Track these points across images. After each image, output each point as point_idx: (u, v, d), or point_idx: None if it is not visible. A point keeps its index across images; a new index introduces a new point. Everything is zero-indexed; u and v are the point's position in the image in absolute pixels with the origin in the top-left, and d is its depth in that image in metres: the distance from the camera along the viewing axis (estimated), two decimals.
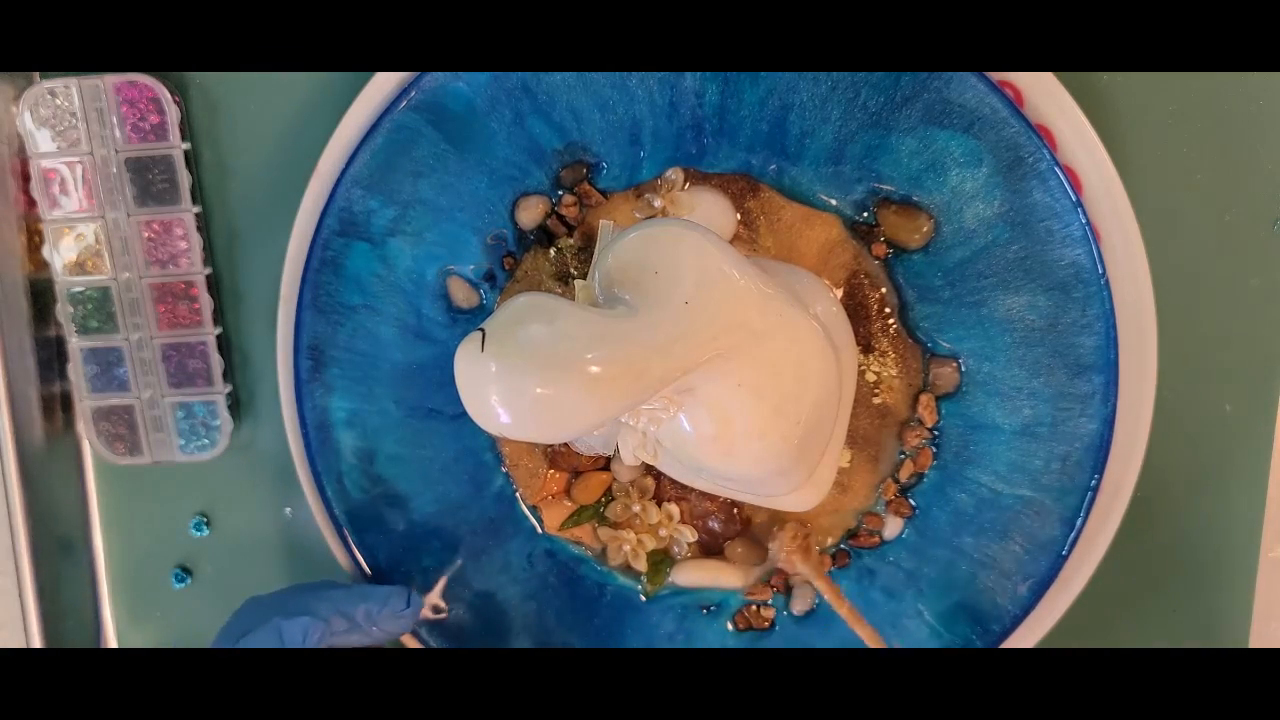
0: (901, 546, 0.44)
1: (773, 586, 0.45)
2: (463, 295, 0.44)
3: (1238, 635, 0.47)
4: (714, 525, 0.45)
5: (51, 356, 0.46)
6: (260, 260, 0.46)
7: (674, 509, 0.45)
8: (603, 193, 0.44)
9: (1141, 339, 0.42)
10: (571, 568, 0.46)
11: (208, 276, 0.45)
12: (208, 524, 0.48)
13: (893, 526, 0.45)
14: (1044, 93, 0.41)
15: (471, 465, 0.45)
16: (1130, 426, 0.42)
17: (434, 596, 0.43)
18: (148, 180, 0.44)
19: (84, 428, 0.46)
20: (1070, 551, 0.42)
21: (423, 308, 0.43)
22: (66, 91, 0.43)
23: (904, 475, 0.44)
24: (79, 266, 0.45)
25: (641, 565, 0.45)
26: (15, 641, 0.45)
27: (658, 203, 0.43)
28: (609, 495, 0.45)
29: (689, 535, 0.45)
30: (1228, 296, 0.45)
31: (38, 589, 0.45)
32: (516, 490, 0.46)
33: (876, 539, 0.45)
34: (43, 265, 0.45)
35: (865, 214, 0.43)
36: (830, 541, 0.45)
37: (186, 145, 0.44)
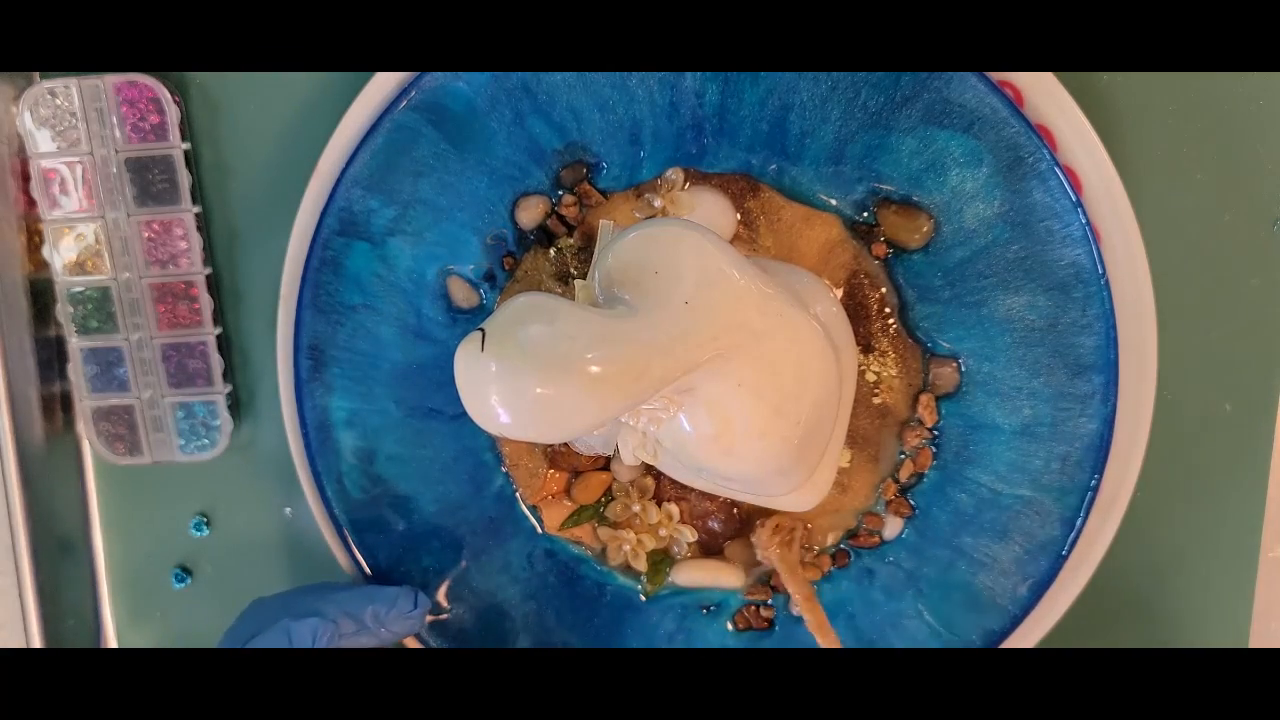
0: (901, 546, 0.44)
1: (773, 586, 0.45)
2: (463, 295, 0.44)
3: (1238, 635, 0.47)
4: (714, 525, 0.45)
5: (51, 356, 0.46)
6: (260, 260, 0.46)
7: (674, 509, 0.45)
8: (603, 193, 0.44)
9: (1141, 339, 0.42)
10: (571, 568, 0.46)
11: (208, 276, 0.45)
12: (208, 524, 0.48)
13: (893, 526, 0.45)
14: (1044, 93, 0.41)
15: (471, 465, 0.45)
16: (1130, 426, 0.42)
17: (437, 597, 0.43)
18: (148, 180, 0.44)
19: (84, 428, 0.46)
20: (1070, 551, 0.42)
21: (423, 308, 0.43)
22: (66, 91, 0.43)
23: (904, 475, 0.44)
24: (79, 266, 0.45)
25: (641, 565, 0.45)
26: (15, 641, 0.45)
27: (658, 203, 0.43)
28: (609, 495, 0.45)
29: (689, 535, 0.45)
30: (1228, 296, 0.45)
31: (38, 589, 0.45)
32: (516, 490, 0.46)
33: (876, 539, 0.45)
34: (43, 265, 0.45)
35: (865, 214, 0.43)
36: (830, 541, 0.45)
37: (186, 145, 0.44)
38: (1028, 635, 0.43)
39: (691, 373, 0.35)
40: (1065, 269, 0.40)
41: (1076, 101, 0.40)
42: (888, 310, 0.44)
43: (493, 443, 0.45)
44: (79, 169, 0.44)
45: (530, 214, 0.44)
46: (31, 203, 0.44)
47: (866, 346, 0.44)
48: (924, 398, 0.44)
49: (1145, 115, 0.44)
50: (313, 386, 0.43)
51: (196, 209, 0.45)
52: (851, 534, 0.45)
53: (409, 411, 0.44)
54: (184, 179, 0.44)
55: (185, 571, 0.48)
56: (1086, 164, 0.41)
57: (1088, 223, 0.40)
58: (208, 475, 0.47)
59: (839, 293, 0.44)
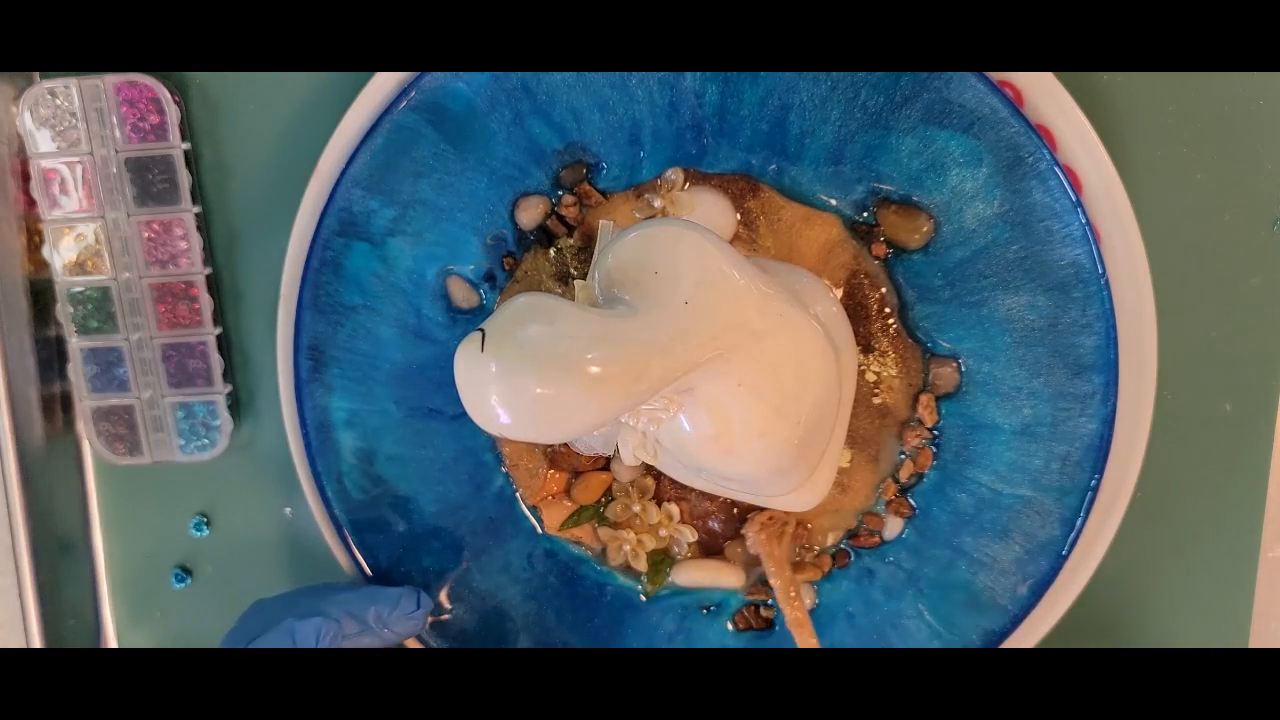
0: (901, 546, 0.44)
1: (770, 584, 0.45)
2: (462, 295, 0.44)
3: (1238, 635, 0.47)
4: (714, 525, 0.45)
5: (51, 356, 0.46)
6: (260, 260, 0.46)
7: (674, 509, 0.45)
8: (603, 193, 0.44)
9: (1141, 339, 0.42)
10: (571, 568, 0.46)
11: (208, 276, 0.45)
12: (208, 524, 0.48)
13: (893, 526, 0.45)
14: (1044, 93, 0.41)
15: (471, 465, 0.45)
16: (1130, 426, 0.42)
17: (438, 598, 0.43)
18: (148, 180, 0.44)
19: (84, 428, 0.46)
20: (1070, 551, 0.42)
21: (423, 308, 0.43)
22: (66, 91, 0.43)
23: (904, 475, 0.44)
24: (79, 266, 0.45)
25: (641, 565, 0.45)
26: (15, 641, 0.45)
27: (658, 203, 0.43)
28: (609, 495, 0.45)
29: (689, 535, 0.45)
30: (1228, 296, 0.45)
31: (38, 589, 0.45)
32: (516, 490, 0.46)
33: (876, 539, 0.45)
34: (43, 265, 0.45)
35: (865, 214, 0.43)
36: (830, 541, 0.45)
37: (186, 145, 0.44)
38: (1028, 635, 0.43)
39: (691, 373, 0.35)
40: (1065, 269, 0.40)
41: (1076, 101, 0.40)
42: (888, 310, 0.44)
43: (493, 443, 0.45)
44: (79, 169, 0.44)
45: (530, 214, 0.44)
46: (31, 203, 0.44)
47: (866, 346, 0.44)
48: (924, 398, 0.44)
49: (1145, 115, 0.44)
50: (313, 387, 0.43)
51: (196, 209, 0.45)
52: (851, 534, 0.45)
53: (409, 412, 0.44)
54: (184, 179, 0.44)
55: (185, 571, 0.48)
56: (1086, 164, 0.41)
57: (1088, 223, 0.40)
58: (208, 475, 0.47)
59: (839, 293, 0.44)
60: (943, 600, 0.43)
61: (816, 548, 0.45)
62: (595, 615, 0.45)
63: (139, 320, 0.45)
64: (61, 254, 0.45)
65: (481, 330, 0.34)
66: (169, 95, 0.43)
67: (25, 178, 0.44)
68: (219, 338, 0.46)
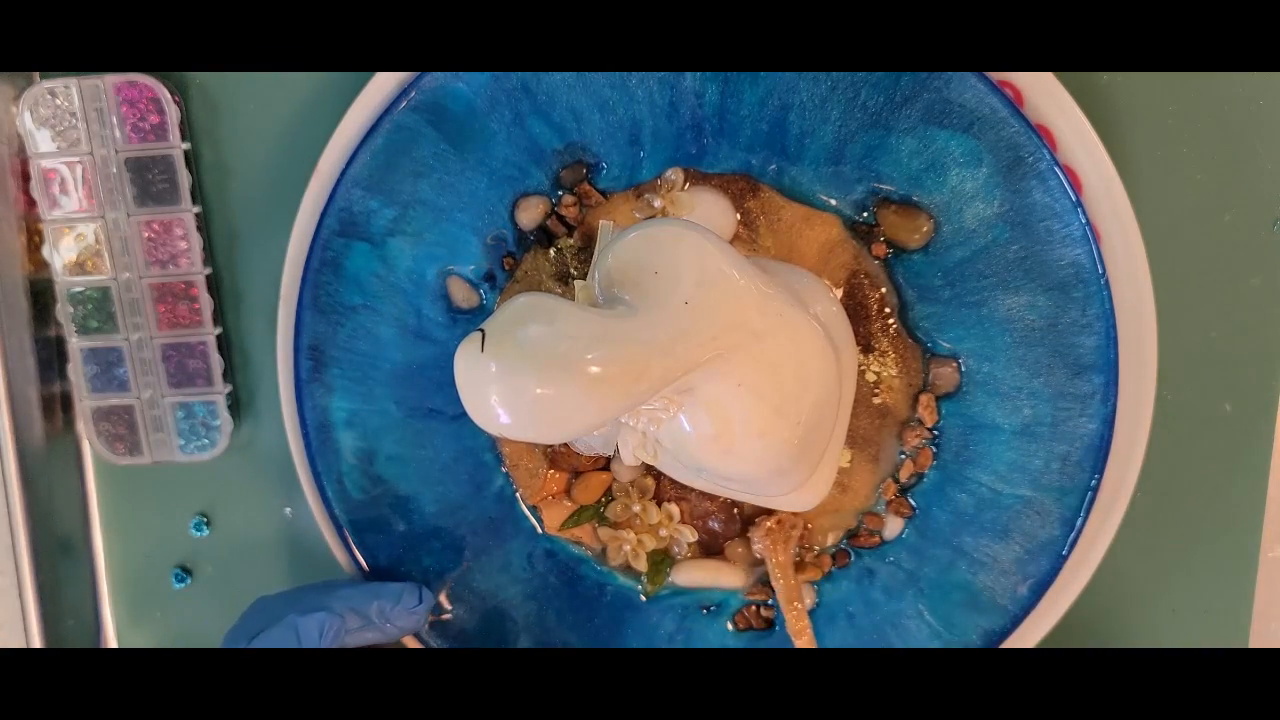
0: (902, 546, 0.44)
1: (773, 586, 0.45)
2: (462, 295, 0.44)
3: (1238, 635, 0.47)
4: (714, 525, 0.45)
5: (51, 356, 0.46)
6: (260, 260, 0.46)
7: (674, 509, 0.45)
8: (603, 193, 0.44)
9: (1141, 339, 0.42)
10: (572, 568, 0.46)
11: (208, 276, 0.45)
12: (208, 524, 0.48)
13: (893, 526, 0.45)
14: (1044, 93, 0.41)
15: (471, 465, 0.45)
16: (1130, 426, 0.42)
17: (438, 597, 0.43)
18: (148, 180, 0.44)
19: (84, 428, 0.46)
20: (1070, 551, 0.42)
21: (423, 308, 0.43)
22: (66, 91, 0.43)
23: (904, 475, 0.44)
24: (79, 266, 0.45)
25: (641, 565, 0.45)
26: (15, 641, 0.45)
27: (658, 203, 0.43)
28: (609, 495, 0.45)
29: (689, 535, 0.45)
30: (1228, 296, 0.45)
31: (38, 589, 0.45)
32: (516, 490, 0.46)
33: (877, 539, 0.45)
34: (43, 265, 0.45)
35: (865, 214, 0.43)
36: (830, 541, 0.45)
37: (186, 145, 0.44)
38: (1028, 635, 0.43)
39: (691, 373, 0.35)
40: (1065, 269, 0.40)
41: (1076, 101, 0.40)
42: (888, 310, 0.44)
43: (493, 443, 0.45)
44: (79, 169, 0.44)
45: (530, 214, 0.44)
46: (31, 203, 0.44)
47: (866, 346, 0.44)
48: (924, 398, 0.44)
49: (1145, 115, 0.44)
50: (313, 387, 0.43)
51: (196, 209, 0.45)
52: (852, 534, 0.45)
53: (409, 412, 0.44)
54: (184, 179, 0.44)
55: (185, 571, 0.48)
56: (1086, 164, 0.41)
57: (1088, 223, 0.40)
58: (208, 475, 0.47)
59: (839, 293, 0.44)
60: (943, 600, 0.43)
61: (816, 548, 0.45)
62: (595, 615, 0.45)
63: (139, 320, 0.45)
64: (61, 254, 0.45)
65: (481, 330, 0.34)
66: (169, 95, 0.43)
67: (25, 178, 0.44)
68: (219, 338, 0.46)
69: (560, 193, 0.44)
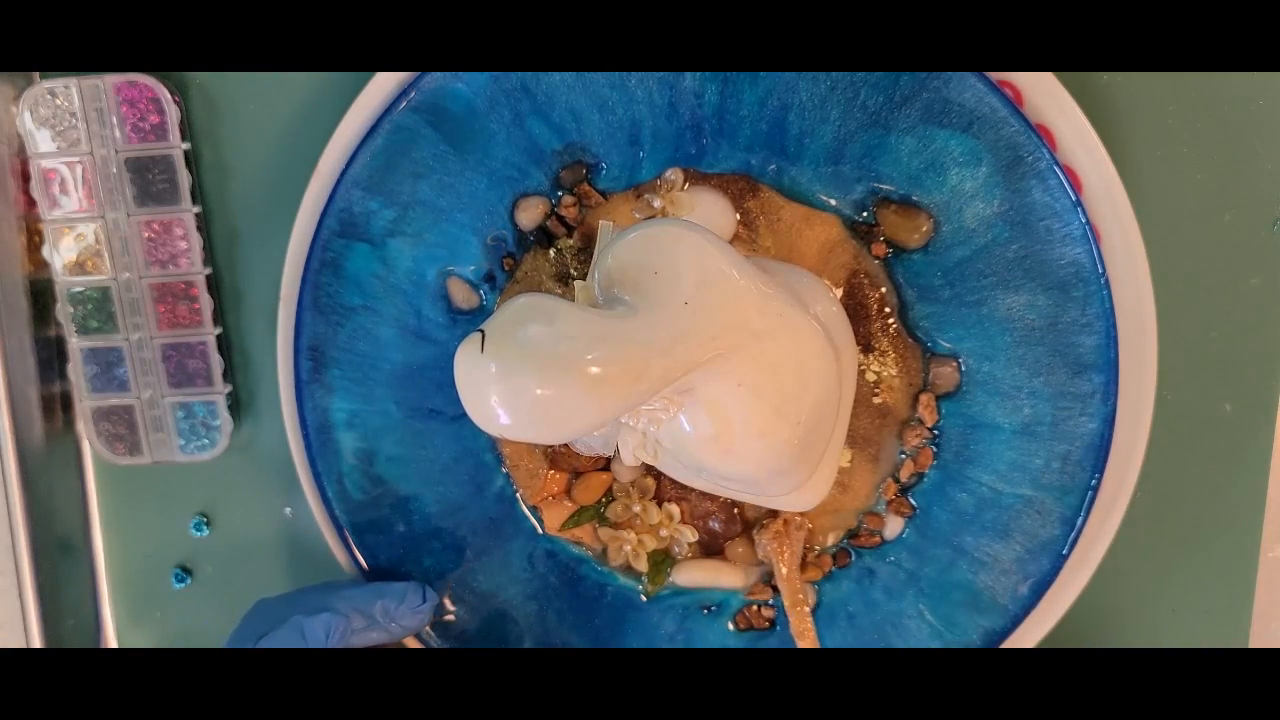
0: (902, 546, 0.44)
1: (774, 586, 0.45)
2: (462, 296, 0.44)
3: (1238, 635, 0.47)
4: (714, 525, 0.45)
5: (51, 356, 0.46)
6: (260, 260, 0.46)
7: (674, 509, 0.45)
8: (602, 193, 0.44)
9: (1141, 339, 0.42)
10: (572, 568, 0.46)
11: (208, 276, 0.45)
12: (208, 524, 0.48)
13: (893, 526, 0.45)
14: (1044, 93, 0.41)
15: (472, 466, 0.45)
16: (1130, 426, 0.42)
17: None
18: (148, 180, 0.44)
19: (84, 428, 0.46)
20: (1070, 551, 0.42)
21: (423, 309, 0.43)
22: (66, 91, 0.43)
23: (904, 475, 0.44)
24: (79, 266, 0.45)
25: (642, 565, 0.45)
26: (15, 641, 0.45)
27: (657, 203, 0.43)
28: (609, 495, 0.45)
29: (689, 535, 0.45)
30: (1228, 296, 0.45)
31: (38, 589, 0.45)
32: (517, 491, 0.46)
33: (877, 539, 0.45)
34: (43, 265, 0.45)
35: (865, 214, 0.43)
36: (831, 541, 0.45)
37: (186, 145, 0.44)
38: (1028, 635, 0.43)
39: (691, 373, 0.35)
40: (1065, 268, 0.40)
41: (1076, 101, 0.40)
42: (888, 310, 0.44)
43: (493, 443, 0.45)
44: (79, 169, 0.44)
45: (530, 215, 0.44)
46: (31, 203, 0.44)
47: (866, 346, 0.44)
48: (924, 397, 0.44)
49: (1145, 115, 0.44)
50: (313, 387, 0.43)
51: (196, 209, 0.45)
52: (852, 534, 0.45)
53: (409, 412, 0.44)
54: (184, 179, 0.44)
55: (185, 571, 0.48)
56: (1086, 164, 0.41)
57: (1087, 222, 0.40)
58: (208, 475, 0.47)
59: (839, 293, 0.44)
60: (943, 600, 0.43)
61: (817, 548, 0.45)
62: (596, 615, 0.45)
63: (139, 320, 0.45)
64: (61, 254, 0.45)
65: (481, 331, 0.34)
66: (169, 95, 0.43)
67: (25, 178, 0.44)
68: (219, 338, 0.46)
69: (560, 193, 0.44)
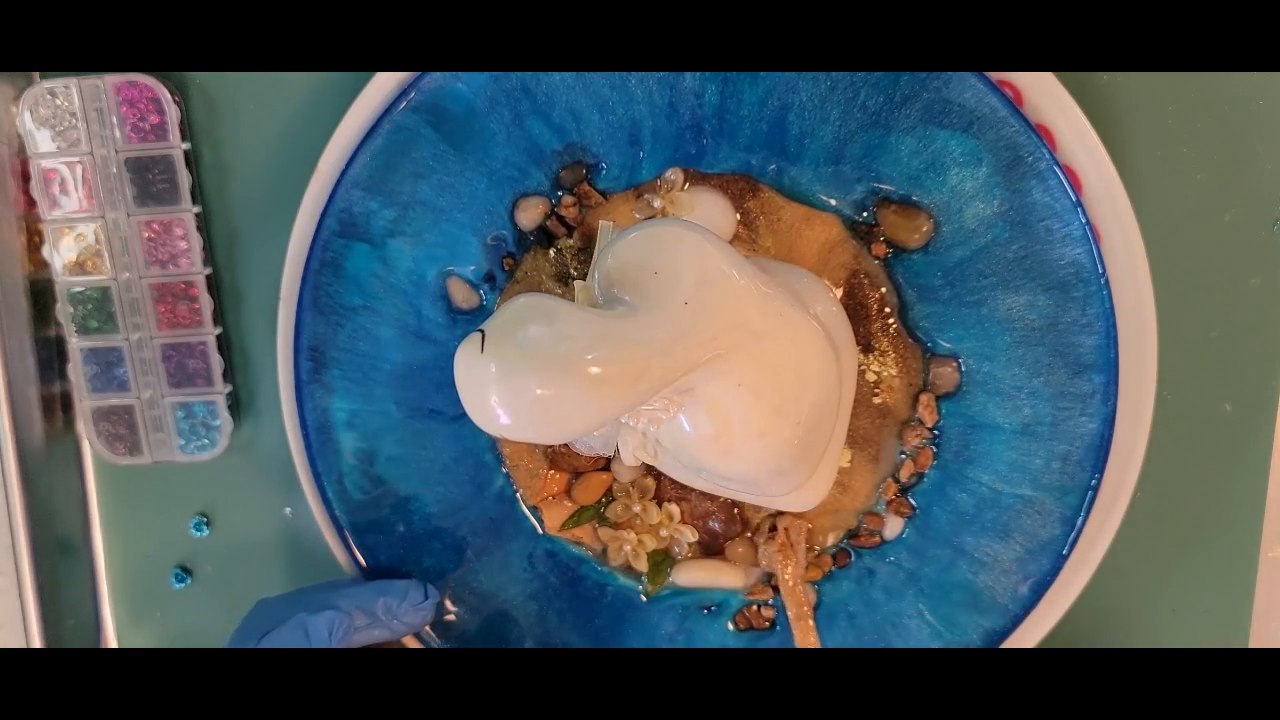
0: (902, 546, 0.44)
1: (773, 586, 0.45)
2: (462, 296, 0.44)
3: (1238, 635, 0.47)
4: (714, 525, 0.45)
5: (51, 356, 0.46)
6: (260, 260, 0.46)
7: (674, 509, 0.45)
8: (602, 193, 0.44)
9: (1141, 339, 0.42)
10: (572, 568, 0.46)
11: (208, 276, 0.45)
12: (208, 524, 0.48)
13: (893, 526, 0.45)
14: (1044, 93, 0.41)
15: (472, 466, 0.45)
16: (1130, 426, 0.42)
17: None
18: (148, 180, 0.44)
19: (84, 428, 0.46)
20: (1070, 551, 0.42)
21: (423, 309, 0.43)
22: (66, 91, 0.43)
23: (904, 475, 0.44)
24: (79, 266, 0.45)
25: (642, 565, 0.45)
26: (15, 641, 0.45)
27: (657, 203, 0.43)
28: (609, 496, 0.45)
29: (689, 535, 0.45)
30: (1228, 296, 0.45)
31: (38, 589, 0.45)
32: (517, 491, 0.46)
33: (877, 539, 0.45)
34: (43, 265, 0.45)
35: (865, 214, 0.43)
36: (831, 541, 0.45)
37: (186, 145, 0.44)
38: (1028, 635, 0.43)
39: (691, 373, 0.35)
40: (1065, 268, 0.40)
41: (1076, 101, 0.40)
42: (888, 310, 0.44)
43: (493, 443, 0.45)
44: (79, 169, 0.44)
45: (530, 215, 0.44)
46: (31, 203, 0.44)
47: (866, 346, 0.44)
48: (924, 397, 0.44)
49: (1145, 115, 0.44)
50: (313, 388, 0.43)
51: (196, 209, 0.45)
52: (852, 534, 0.45)
53: (409, 413, 0.44)
54: (184, 179, 0.44)
55: (185, 571, 0.48)
56: (1086, 164, 0.41)
57: (1087, 222, 0.40)
58: (208, 475, 0.47)
59: (839, 293, 0.44)
60: (943, 600, 0.43)
61: (817, 548, 0.45)
62: (596, 615, 0.45)
63: (139, 320, 0.45)
64: (61, 254, 0.45)
65: (481, 331, 0.34)
66: (169, 95, 0.43)
67: (25, 178, 0.44)
68: (219, 338, 0.46)
69: (560, 193, 0.44)
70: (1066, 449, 0.41)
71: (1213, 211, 0.44)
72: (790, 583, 0.43)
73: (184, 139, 0.44)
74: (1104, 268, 0.40)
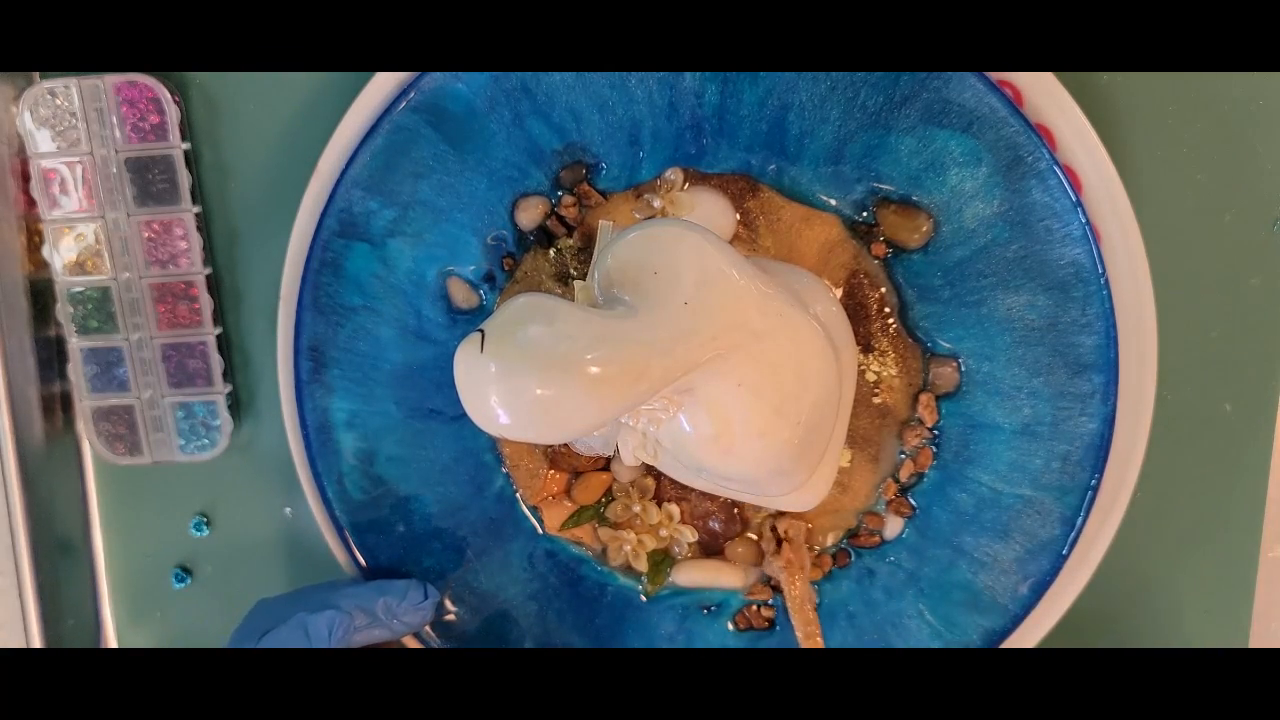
0: (902, 546, 0.44)
1: (773, 586, 0.45)
2: (462, 296, 0.44)
3: (1238, 635, 0.47)
4: (714, 525, 0.45)
5: (51, 356, 0.46)
6: (260, 260, 0.46)
7: (674, 509, 0.45)
8: (602, 193, 0.44)
9: (1141, 339, 0.42)
10: (572, 568, 0.46)
11: (208, 276, 0.45)
12: (208, 524, 0.48)
13: (893, 526, 0.45)
14: (1044, 93, 0.41)
15: (472, 466, 0.45)
16: (1130, 426, 0.42)
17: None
18: (148, 180, 0.44)
19: (84, 428, 0.46)
20: (1070, 551, 0.42)
21: (423, 309, 0.43)
22: (66, 91, 0.43)
23: (904, 475, 0.44)
24: (79, 266, 0.45)
25: (642, 565, 0.45)
26: (15, 641, 0.45)
27: (657, 203, 0.43)
28: (609, 495, 0.45)
29: (689, 535, 0.45)
30: (1228, 296, 0.45)
31: (38, 589, 0.45)
32: (517, 491, 0.46)
33: (877, 539, 0.45)
34: (43, 265, 0.45)
35: (865, 214, 0.43)
36: (830, 541, 0.45)
37: (186, 145, 0.44)
38: (1028, 635, 0.43)
39: (691, 373, 0.35)
40: (1065, 268, 0.40)
41: (1076, 101, 0.40)
42: (888, 310, 0.44)
43: (493, 443, 0.45)
44: (79, 169, 0.44)
45: (530, 215, 0.44)
46: (31, 203, 0.44)
47: (866, 346, 0.44)
48: (924, 397, 0.44)
49: (1145, 115, 0.44)
50: (313, 388, 0.43)
51: (196, 209, 0.45)
52: (852, 534, 0.45)
53: (409, 413, 0.44)
54: (184, 179, 0.44)
55: (185, 571, 0.48)
56: (1086, 164, 0.41)
57: (1087, 222, 0.40)
58: (208, 475, 0.47)
59: (839, 293, 0.44)
60: (943, 600, 0.43)
61: (817, 548, 0.45)
62: (596, 615, 0.45)
63: (139, 320, 0.45)
64: (61, 254, 0.45)
65: (481, 331, 0.34)
66: (169, 95, 0.43)
67: (25, 178, 0.44)
68: (219, 338, 0.46)
69: (560, 193, 0.44)
70: (1066, 449, 0.41)
71: (1213, 211, 0.44)
72: (799, 600, 0.43)
73: (184, 139, 0.44)
74: (1104, 268, 0.40)
